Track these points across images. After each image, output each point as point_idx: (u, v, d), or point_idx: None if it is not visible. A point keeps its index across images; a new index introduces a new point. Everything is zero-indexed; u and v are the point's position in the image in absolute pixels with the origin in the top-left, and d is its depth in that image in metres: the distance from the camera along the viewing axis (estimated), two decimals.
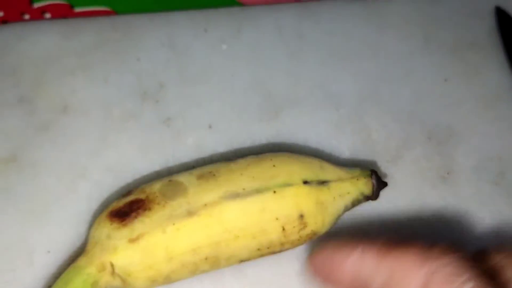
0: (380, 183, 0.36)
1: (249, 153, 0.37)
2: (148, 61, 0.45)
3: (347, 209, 0.35)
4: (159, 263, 0.31)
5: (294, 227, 0.33)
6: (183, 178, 0.34)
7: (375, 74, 0.44)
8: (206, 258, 0.32)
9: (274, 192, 0.32)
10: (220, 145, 0.41)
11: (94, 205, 0.38)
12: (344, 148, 0.41)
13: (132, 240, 0.31)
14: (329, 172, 0.35)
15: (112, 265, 0.31)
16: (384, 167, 0.40)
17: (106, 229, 0.32)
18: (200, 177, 0.33)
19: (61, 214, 0.38)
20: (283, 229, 0.32)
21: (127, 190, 0.36)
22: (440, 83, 0.44)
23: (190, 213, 0.32)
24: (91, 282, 0.31)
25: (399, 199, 0.39)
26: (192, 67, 0.45)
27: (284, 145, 0.41)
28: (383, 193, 0.39)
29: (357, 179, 0.35)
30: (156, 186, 0.33)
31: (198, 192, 0.32)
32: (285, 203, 0.32)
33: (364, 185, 0.35)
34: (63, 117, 0.42)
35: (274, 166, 0.34)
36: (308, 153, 0.38)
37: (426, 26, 0.46)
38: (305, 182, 0.33)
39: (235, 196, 0.32)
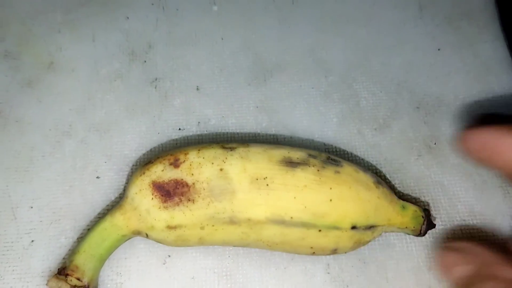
0: (429, 225, 0.34)
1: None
2: (137, 20, 0.44)
3: None
4: (191, 243, 0.33)
5: (324, 254, 0.33)
6: (234, 172, 0.31)
7: (367, 42, 0.44)
8: (234, 245, 0.33)
9: (319, 231, 0.31)
10: (207, 107, 0.40)
11: (79, 163, 0.38)
12: (332, 115, 0.40)
13: (170, 227, 0.31)
14: (381, 215, 0.33)
15: (147, 234, 0.32)
16: (371, 135, 0.40)
17: (147, 201, 0.31)
18: (253, 181, 0.31)
19: (45, 171, 0.38)
20: (313, 253, 0.33)
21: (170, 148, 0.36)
22: (432, 53, 0.43)
23: (232, 222, 0.31)
24: (125, 240, 0.33)
25: (384, 168, 0.39)
26: (182, 28, 0.44)
27: (272, 110, 0.40)
28: (370, 161, 0.39)
29: (406, 226, 0.34)
30: (206, 172, 0.31)
31: (245, 202, 0.31)
32: (325, 240, 0.32)
33: (411, 228, 0.34)
34: (49, 74, 0.41)
35: (330, 200, 0.31)
36: (296, 120, 0.38)
37: None
38: (353, 227, 0.32)
39: (281, 222, 0.31)
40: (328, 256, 0.35)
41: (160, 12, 0.44)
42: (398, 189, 0.38)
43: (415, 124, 0.40)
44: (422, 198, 0.38)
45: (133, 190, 0.32)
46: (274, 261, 0.35)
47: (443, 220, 0.37)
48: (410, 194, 0.38)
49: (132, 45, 0.43)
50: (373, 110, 0.41)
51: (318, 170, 0.31)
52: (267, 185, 0.31)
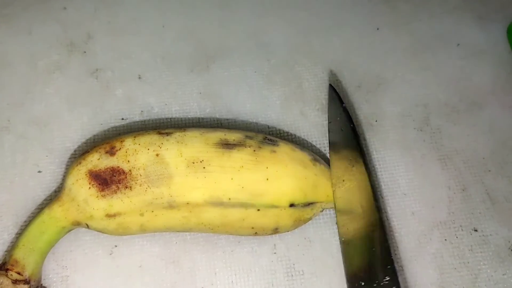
0: None
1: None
2: (75, 10, 0.43)
3: None
4: (132, 231, 0.32)
5: (265, 233, 0.33)
6: (171, 157, 0.31)
7: (307, 24, 0.44)
8: (177, 230, 0.34)
9: (258, 210, 0.31)
10: (150, 96, 0.40)
11: (19, 158, 0.37)
12: (275, 98, 0.41)
13: (109, 215, 0.31)
14: (319, 192, 0.33)
15: (87, 225, 0.32)
16: (314, 115, 0.40)
17: (84, 191, 0.31)
18: (189, 165, 0.31)
19: None
20: (255, 233, 0.33)
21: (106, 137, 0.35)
22: (371, 33, 0.44)
23: (171, 206, 0.31)
24: (65, 232, 0.33)
25: (327, 147, 0.39)
26: (122, 16, 0.43)
27: (215, 95, 0.41)
28: (313, 142, 0.40)
29: None
30: (142, 159, 0.31)
31: (183, 186, 0.31)
32: (265, 220, 0.32)
33: None
34: None
35: (267, 179, 0.31)
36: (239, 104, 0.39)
37: None
38: (291, 205, 0.32)
39: (219, 204, 0.31)
40: (274, 237, 0.36)
41: (98, 1, 0.44)
42: None
43: (356, 102, 0.41)
44: None
45: (70, 181, 0.32)
46: (221, 244, 0.36)
47: (385, 195, 0.38)
48: None
49: (71, 36, 0.42)
50: (315, 91, 0.41)
51: (254, 151, 0.32)
52: (204, 168, 0.31)
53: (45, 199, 0.36)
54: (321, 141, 0.39)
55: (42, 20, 0.42)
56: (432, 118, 0.41)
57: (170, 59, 0.42)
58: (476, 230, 0.37)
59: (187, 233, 0.36)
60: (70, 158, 0.37)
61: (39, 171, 0.37)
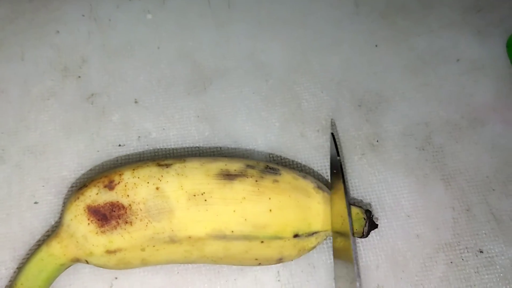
0: (371, 225, 0.34)
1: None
2: (68, 34, 0.43)
3: None
4: (133, 265, 0.32)
5: (269, 263, 0.33)
6: (171, 190, 0.31)
7: (305, 43, 0.43)
8: (179, 263, 0.33)
9: (262, 242, 0.31)
10: (146, 120, 0.39)
11: (15, 189, 0.36)
12: (274, 119, 0.40)
13: (109, 252, 0.30)
14: (323, 220, 0.33)
15: (86, 261, 0.31)
16: (314, 136, 0.40)
17: (83, 227, 0.30)
18: (191, 198, 0.30)
19: None
20: (259, 264, 0.33)
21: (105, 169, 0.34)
22: (370, 49, 0.43)
23: (173, 241, 0.30)
24: (64, 269, 0.32)
25: (328, 169, 0.39)
26: (116, 39, 0.43)
27: (213, 118, 0.40)
28: (314, 164, 0.39)
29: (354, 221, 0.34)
30: (142, 193, 0.30)
31: (184, 219, 0.30)
32: (269, 251, 0.31)
33: (354, 231, 0.34)
34: None
35: (270, 211, 0.31)
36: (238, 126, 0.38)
37: None
38: (296, 236, 0.31)
39: (222, 237, 0.30)
40: (277, 264, 0.35)
41: (92, 24, 0.43)
42: None
43: (357, 122, 0.41)
44: (367, 197, 0.38)
45: (69, 217, 0.31)
46: (224, 273, 0.35)
47: (388, 217, 0.37)
48: (355, 193, 0.38)
49: (65, 61, 0.41)
50: (315, 112, 0.41)
51: (256, 181, 0.31)
52: (205, 200, 0.30)
53: (43, 233, 0.35)
54: (323, 163, 0.39)
55: (35, 45, 0.42)
56: (434, 137, 0.40)
57: (167, 81, 0.41)
58: (481, 252, 0.36)
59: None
60: (66, 188, 0.37)
61: (36, 202, 0.36)
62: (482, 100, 0.42)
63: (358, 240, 0.36)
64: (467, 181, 0.38)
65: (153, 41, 0.43)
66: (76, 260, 0.31)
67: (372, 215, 0.35)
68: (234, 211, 0.30)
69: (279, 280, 0.35)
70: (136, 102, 0.40)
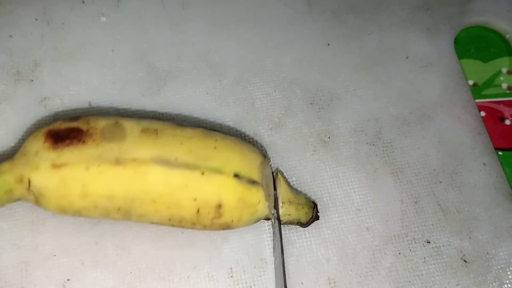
0: (316, 217, 0.37)
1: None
2: (21, 38, 0.42)
3: (268, 219, 0.36)
4: (73, 196, 0.32)
5: (208, 213, 0.33)
6: (128, 124, 0.33)
7: (258, 42, 0.44)
8: (118, 209, 0.33)
9: (202, 173, 0.32)
10: None
11: None
12: (228, 119, 0.41)
13: (54, 166, 0.31)
14: (266, 178, 0.34)
15: (29, 180, 0.32)
16: (267, 134, 0.40)
17: (38, 144, 0.32)
18: (144, 130, 0.33)
19: None
20: (198, 211, 0.33)
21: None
22: (322, 48, 0.44)
23: (118, 162, 0.31)
24: (6, 189, 0.33)
25: (281, 166, 0.39)
26: (70, 42, 0.43)
27: (167, 119, 0.40)
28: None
29: (302, 207, 0.36)
30: (102, 123, 0.33)
31: (133, 144, 0.32)
32: (208, 188, 0.32)
33: (304, 214, 0.36)
34: None
35: (215, 148, 0.33)
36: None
37: None
38: (236, 176, 0.32)
39: (165, 163, 0.32)
40: (230, 260, 0.36)
41: (45, 27, 0.43)
42: (295, 186, 0.39)
43: (309, 120, 0.41)
44: (319, 192, 0.39)
45: (27, 141, 0.33)
46: (177, 271, 0.35)
47: (339, 212, 0.38)
48: (307, 189, 0.39)
49: (17, 65, 0.41)
50: (268, 110, 0.42)
51: (207, 130, 0.34)
52: (157, 134, 0.33)
53: None
54: (275, 160, 0.40)
55: None
56: (384, 132, 0.41)
57: (121, 84, 0.42)
58: (429, 242, 0.37)
59: (142, 261, 0.35)
60: None
61: None
62: (430, 96, 0.43)
63: (309, 234, 0.37)
64: (415, 174, 0.40)
65: (108, 43, 0.43)
66: (20, 180, 0.32)
67: (316, 210, 0.37)
68: (181, 143, 0.32)
69: (231, 276, 0.36)
70: (90, 104, 0.40)
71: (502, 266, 0.37)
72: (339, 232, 0.37)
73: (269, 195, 0.34)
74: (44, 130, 0.33)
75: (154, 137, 0.32)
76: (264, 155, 0.35)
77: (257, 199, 0.33)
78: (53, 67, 0.41)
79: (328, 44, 0.45)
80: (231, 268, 0.36)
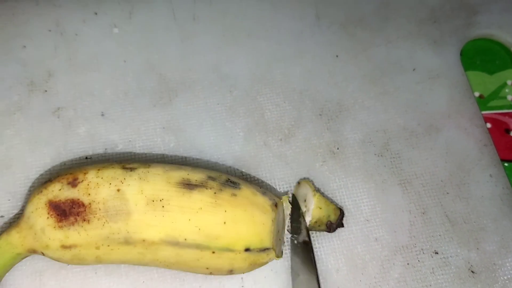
0: (339, 224, 0.37)
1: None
2: (34, 49, 0.43)
3: None
4: (88, 261, 0.33)
5: (221, 274, 0.34)
6: (131, 194, 0.32)
7: (268, 55, 0.45)
8: (133, 264, 0.34)
9: (213, 252, 0.32)
10: (113, 133, 0.40)
11: None
12: (238, 130, 0.41)
13: (64, 247, 0.31)
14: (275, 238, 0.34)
15: (42, 253, 0.33)
16: (277, 145, 0.41)
17: (42, 220, 0.32)
18: (149, 203, 0.31)
19: None
20: (210, 273, 0.33)
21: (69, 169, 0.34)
22: (330, 60, 0.45)
23: (127, 242, 0.31)
24: (20, 258, 0.34)
25: (291, 176, 0.40)
26: (82, 53, 0.43)
27: (178, 129, 0.41)
28: (277, 172, 0.40)
29: (330, 213, 0.37)
30: (103, 193, 0.32)
31: (140, 222, 0.31)
32: (220, 262, 0.32)
33: (333, 216, 0.37)
34: None
35: (224, 223, 0.32)
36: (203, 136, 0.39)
37: (318, 4, 0.47)
38: (247, 250, 0.32)
39: (175, 243, 0.31)
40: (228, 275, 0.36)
41: (59, 38, 0.44)
42: None
43: (318, 131, 0.42)
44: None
45: (30, 209, 0.32)
46: (188, 281, 0.36)
47: (348, 222, 0.39)
48: None
49: (31, 75, 0.42)
50: (277, 121, 0.42)
51: (215, 193, 0.32)
52: (163, 206, 0.31)
53: (4, 223, 0.36)
54: (285, 171, 0.40)
55: (1, 60, 0.42)
56: (391, 143, 0.42)
57: (133, 94, 0.42)
58: (437, 253, 0.38)
59: (154, 271, 0.36)
60: None
61: (1, 216, 0.37)
62: (437, 107, 0.43)
63: (319, 244, 0.38)
64: (423, 185, 0.40)
65: (120, 54, 0.44)
66: (33, 251, 0.33)
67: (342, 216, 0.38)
68: (189, 219, 0.31)
69: (243, 286, 0.36)
70: (102, 115, 0.41)
71: (509, 276, 0.37)
72: (348, 242, 0.38)
73: (279, 239, 0.35)
74: (45, 200, 0.32)
75: (160, 212, 0.31)
76: (276, 203, 0.35)
77: (268, 259, 0.34)
78: (67, 78, 0.42)
79: (337, 56, 0.45)
80: (242, 278, 0.36)
